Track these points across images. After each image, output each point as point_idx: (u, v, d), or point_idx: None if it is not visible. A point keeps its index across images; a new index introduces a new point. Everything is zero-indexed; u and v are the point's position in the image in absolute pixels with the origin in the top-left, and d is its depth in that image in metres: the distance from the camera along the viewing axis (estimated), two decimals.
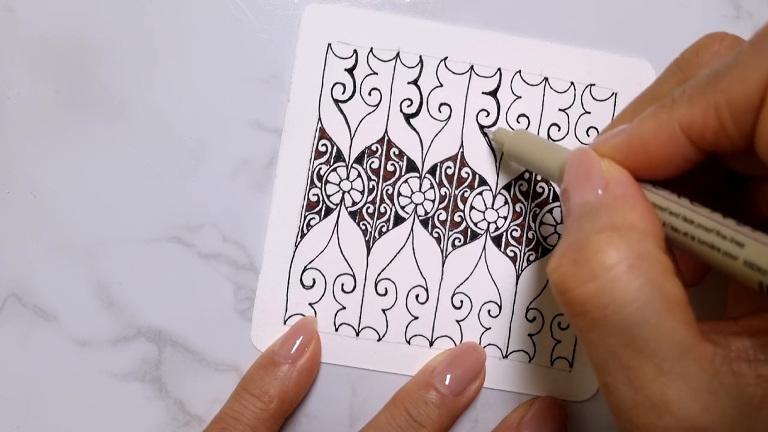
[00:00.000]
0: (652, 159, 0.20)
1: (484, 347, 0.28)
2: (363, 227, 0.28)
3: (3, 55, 0.27)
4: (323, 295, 0.28)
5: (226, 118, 0.28)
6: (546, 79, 0.28)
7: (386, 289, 0.28)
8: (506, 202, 0.28)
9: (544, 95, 0.28)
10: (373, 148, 0.28)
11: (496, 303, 0.28)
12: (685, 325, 0.17)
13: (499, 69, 0.28)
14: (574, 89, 0.28)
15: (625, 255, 0.17)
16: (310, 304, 0.28)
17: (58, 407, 0.28)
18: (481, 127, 0.28)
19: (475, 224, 0.28)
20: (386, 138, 0.28)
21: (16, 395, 0.28)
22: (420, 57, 0.28)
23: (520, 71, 0.28)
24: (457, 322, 0.28)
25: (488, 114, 0.28)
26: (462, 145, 0.28)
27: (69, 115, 0.28)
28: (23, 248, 0.28)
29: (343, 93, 0.28)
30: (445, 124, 0.28)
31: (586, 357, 0.28)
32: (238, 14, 0.28)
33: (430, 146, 0.28)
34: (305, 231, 0.28)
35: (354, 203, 0.28)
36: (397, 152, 0.28)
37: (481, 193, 0.28)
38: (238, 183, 0.28)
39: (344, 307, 0.28)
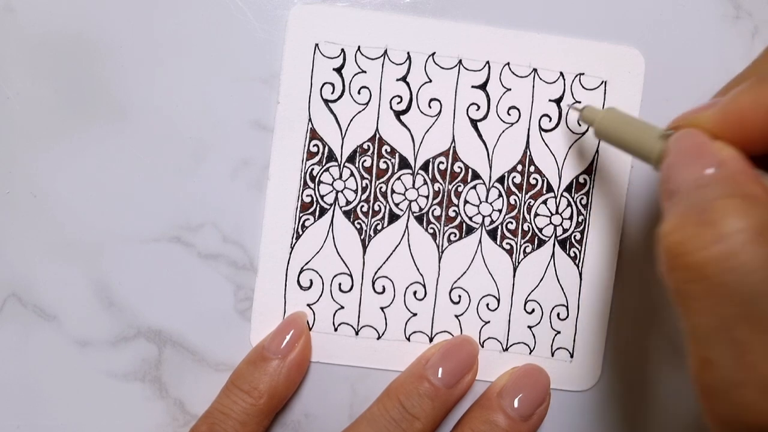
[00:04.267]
0: (748, 132, 0.19)
1: (484, 341, 0.28)
2: (358, 226, 0.28)
3: (3, 55, 0.27)
4: (321, 295, 0.28)
5: (226, 118, 0.28)
6: (535, 70, 0.28)
7: (384, 287, 0.28)
8: (500, 195, 0.28)
9: (533, 86, 0.28)
10: (365, 146, 0.28)
11: (494, 296, 0.28)
12: None
13: (488, 62, 0.28)
14: (564, 79, 0.28)
15: (753, 223, 0.17)
16: (308, 305, 0.28)
17: (58, 407, 0.28)
18: (567, 105, 0.27)
19: (470, 218, 0.28)
20: (377, 136, 0.28)
21: (16, 395, 0.28)
22: (408, 53, 0.28)
23: (508, 63, 0.28)
24: (456, 317, 0.28)
25: (478, 108, 0.28)
26: (453, 139, 0.28)
27: (69, 115, 0.28)
28: (23, 248, 0.28)
29: (333, 93, 0.28)
30: (436, 120, 0.28)
31: (587, 349, 0.28)
32: (237, 14, 0.28)
33: (421, 142, 0.28)
34: (300, 232, 0.28)
35: (348, 202, 0.28)
36: (388, 150, 0.28)
37: (474, 187, 0.28)
38: (238, 183, 0.28)
39: (342, 307, 0.28)
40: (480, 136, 0.28)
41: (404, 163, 0.28)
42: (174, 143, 0.28)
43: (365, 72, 0.28)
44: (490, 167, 0.28)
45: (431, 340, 0.28)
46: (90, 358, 0.28)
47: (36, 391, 0.28)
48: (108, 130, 0.28)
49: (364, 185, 0.28)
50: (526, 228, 0.28)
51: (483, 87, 0.28)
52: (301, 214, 0.28)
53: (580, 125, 0.28)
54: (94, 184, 0.28)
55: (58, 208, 0.28)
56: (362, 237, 0.28)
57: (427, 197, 0.28)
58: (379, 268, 0.28)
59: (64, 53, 0.27)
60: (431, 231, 0.28)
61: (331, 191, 0.28)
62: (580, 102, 0.28)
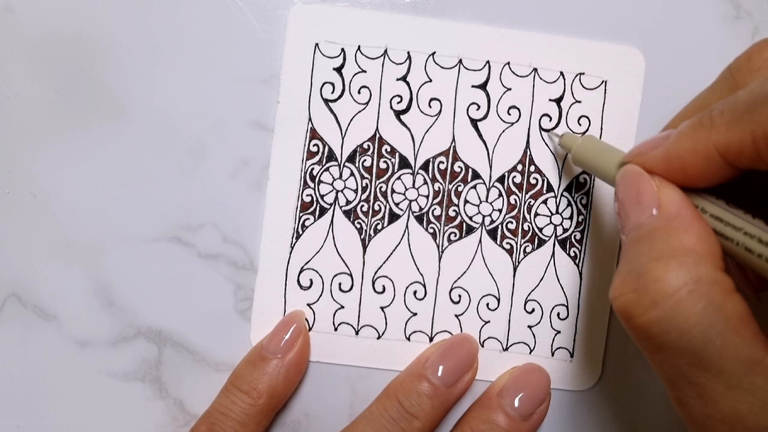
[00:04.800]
0: (688, 175, 0.20)
1: (484, 341, 0.28)
2: (358, 226, 0.28)
3: (3, 55, 0.27)
4: (321, 295, 0.28)
5: (226, 118, 0.28)
6: (535, 69, 0.28)
7: (384, 286, 0.28)
8: (500, 195, 0.28)
9: (533, 86, 0.28)
10: (365, 146, 0.28)
11: (494, 296, 0.28)
12: (749, 341, 0.18)
13: (488, 62, 0.28)
14: (564, 79, 0.28)
15: (684, 281, 0.18)
16: (309, 305, 0.28)
17: (58, 407, 0.28)
18: (544, 130, 0.28)
19: (470, 218, 0.28)
20: (377, 135, 0.28)
21: (16, 395, 0.28)
22: (408, 53, 0.28)
23: (508, 63, 0.28)
24: (456, 316, 0.28)
25: (479, 107, 0.28)
26: (454, 139, 0.28)
27: (69, 114, 0.28)
28: (23, 248, 0.28)
29: (333, 92, 0.28)
30: (436, 119, 0.28)
31: (587, 348, 0.28)
32: (237, 14, 0.28)
33: (421, 142, 0.28)
34: (300, 232, 0.28)
35: (348, 202, 0.28)
36: (389, 149, 0.28)
37: (474, 187, 0.28)
38: (238, 183, 0.28)
39: (342, 307, 0.28)
40: (480, 135, 0.28)
41: (404, 163, 0.28)
42: (174, 143, 0.28)
43: (365, 72, 0.28)
44: (491, 167, 0.28)
45: (431, 339, 0.28)
46: (90, 358, 0.28)
47: (36, 391, 0.28)
48: (108, 130, 0.28)
49: (364, 185, 0.28)
50: (526, 228, 0.28)
51: (483, 87, 0.28)
52: (301, 214, 0.28)
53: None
54: (94, 184, 0.28)
55: (58, 208, 0.28)
56: (362, 237, 0.28)
57: (427, 197, 0.28)
58: (379, 268, 0.28)
59: (64, 53, 0.27)
60: (431, 231, 0.28)
61: (331, 191, 0.28)
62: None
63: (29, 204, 0.28)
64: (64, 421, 0.28)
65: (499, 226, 0.28)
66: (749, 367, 0.18)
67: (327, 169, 0.28)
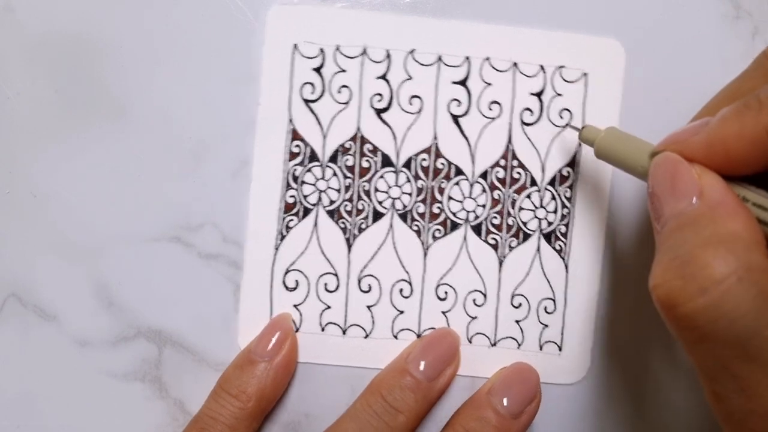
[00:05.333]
0: (732, 161, 0.19)
1: (472, 336, 0.28)
2: (342, 225, 0.28)
3: (3, 55, 0.27)
4: (307, 295, 0.28)
5: (227, 118, 0.28)
6: (515, 64, 0.28)
7: (370, 285, 0.28)
8: (484, 191, 0.28)
9: (514, 81, 0.28)
10: (347, 145, 0.28)
11: (480, 292, 0.28)
12: None
13: (467, 58, 0.28)
14: (544, 72, 0.28)
15: (734, 268, 0.17)
16: (295, 306, 0.28)
17: (58, 407, 0.28)
18: (569, 126, 0.27)
19: (454, 214, 0.28)
20: (359, 135, 0.28)
21: (16, 395, 0.28)
22: (387, 51, 0.28)
23: (488, 58, 0.28)
24: (443, 313, 0.28)
25: (459, 103, 0.28)
26: (435, 136, 0.28)
27: (69, 115, 0.28)
28: (23, 248, 0.28)
29: (313, 93, 0.28)
30: (417, 117, 0.28)
31: (575, 342, 0.28)
32: (238, 14, 0.27)
33: (403, 140, 0.28)
34: (284, 233, 0.28)
35: (331, 202, 0.28)
36: (371, 148, 0.28)
37: (458, 183, 0.28)
38: (238, 183, 0.28)
39: (329, 307, 0.28)
40: (462, 132, 0.28)
41: (387, 161, 0.28)
42: (174, 143, 0.28)
43: (345, 71, 0.28)
44: (473, 163, 0.28)
45: (419, 337, 0.28)
46: (90, 358, 0.28)
47: (36, 391, 0.28)
48: (108, 130, 0.28)
49: (347, 184, 0.28)
50: (510, 222, 0.28)
51: (463, 83, 0.28)
52: (284, 215, 0.28)
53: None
54: (94, 184, 0.28)
55: (58, 208, 0.28)
56: (347, 236, 0.28)
57: (410, 195, 0.28)
58: (364, 267, 0.28)
59: (64, 53, 0.27)
60: (416, 228, 0.28)
61: (315, 191, 0.28)
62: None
63: (29, 204, 0.28)
64: (64, 421, 0.28)
65: (484, 222, 0.28)
66: None
67: (309, 170, 0.28)
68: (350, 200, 0.28)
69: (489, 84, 0.28)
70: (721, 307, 0.17)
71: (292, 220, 0.28)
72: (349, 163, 0.28)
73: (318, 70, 0.28)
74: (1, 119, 0.27)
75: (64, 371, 0.28)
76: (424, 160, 0.28)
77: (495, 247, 0.28)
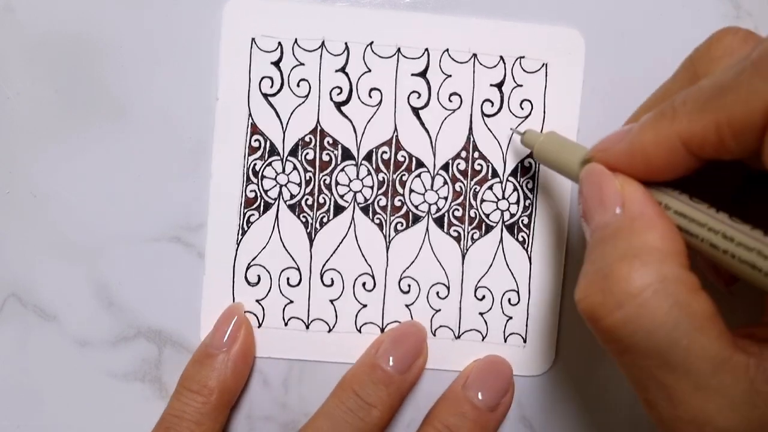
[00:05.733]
0: (652, 167, 0.20)
1: (436, 329, 0.28)
2: (303, 219, 0.28)
3: (3, 55, 0.27)
4: (269, 290, 0.28)
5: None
6: (474, 55, 0.28)
7: (332, 279, 0.28)
8: (445, 183, 0.28)
9: (474, 72, 0.28)
10: (307, 139, 0.28)
11: (443, 284, 0.28)
12: (716, 340, 0.18)
13: (427, 49, 0.28)
14: (504, 63, 0.28)
15: (649, 281, 0.18)
16: (257, 301, 0.28)
17: (58, 407, 0.28)
18: (513, 131, 0.28)
19: (416, 207, 0.28)
20: (319, 128, 0.28)
21: (16, 395, 0.28)
22: (345, 44, 0.28)
23: (447, 50, 0.28)
24: (407, 306, 0.28)
25: (419, 95, 0.28)
26: (396, 128, 0.28)
27: (69, 115, 0.28)
28: (23, 248, 0.28)
29: (272, 86, 0.28)
30: (377, 109, 0.28)
31: (540, 333, 0.28)
32: None
33: (363, 133, 0.28)
34: (246, 228, 0.28)
35: (292, 196, 0.28)
36: (331, 141, 0.28)
37: (419, 176, 0.28)
38: None
39: (292, 301, 0.28)
40: (422, 124, 0.28)
41: (347, 155, 0.28)
42: (174, 143, 0.28)
43: (303, 64, 0.28)
44: (434, 155, 0.28)
45: (383, 330, 0.28)
46: (90, 358, 0.28)
47: (36, 391, 0.28)
48: (108, 130, 0.28)
49: (307, 178, 0.28)
50: (472, 215, 0.28)
51: (423, 74, 0.28)
52: (245, 210, 0.28)
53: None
54: (94, 184, 0.28)
55: (58, 208, 0.28)
56: (308, 230, 0.28)
57: (371, 188, 0.28)
58: (326, 261, 0.28)
59: (64, 53, 0.27)
60: (377, 221, 0.28)
61: (275, 186, 0.28)
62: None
63: (29, 204, 0.28)
64: (64, 421, 0.28)
65: (446, 214, 0.28)
66: (717, 367, 0.17)
67: (270, 164, 0.28)
68: (311, 194, 0.28)
69: (449, 75, 0.28)
70: (638, 320, 0.18)
71: (253, 214, 0.28)
72: (310, 156, 0.28)
73: (276, 63, 0.28)
74: (1, 119, 0.28)
75: (64, 371, 0.28)
76: (384, 152, 0.28)
77: (458, 239, 0.28)
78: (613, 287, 0.18)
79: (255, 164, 0.28)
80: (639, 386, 0.19)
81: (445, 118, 0.28)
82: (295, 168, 0.28)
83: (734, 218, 0.19)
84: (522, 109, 0.28)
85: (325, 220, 0.28)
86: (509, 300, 0.28)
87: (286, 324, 0.28)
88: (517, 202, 0.28)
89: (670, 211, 0.20)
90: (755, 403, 0.17)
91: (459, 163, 0.28)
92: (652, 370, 0.18)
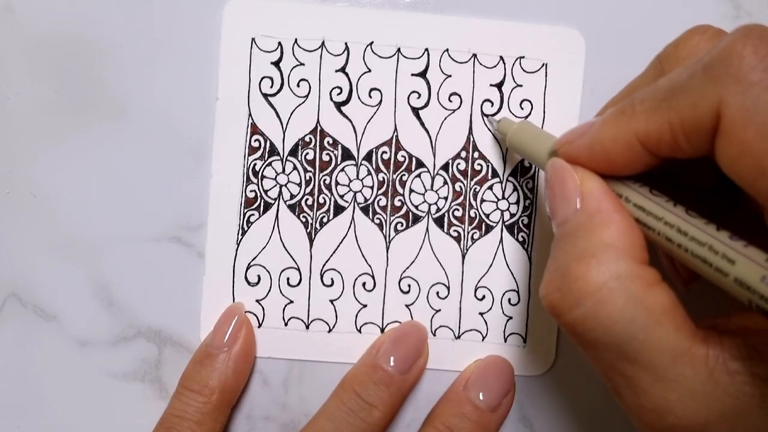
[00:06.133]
0: (612, 163, 0.20)
1: (436, 329, 0.28)
2: (303, 219, 0.28)
3: (3, 55, 0.27)
4: (269, 290, 0.28)
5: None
6: (474, 55, 0.28)
7: (332, 279, 0.28)
8: (445, 183, 0.28)
9: (474, 72, 0.28)
10: (307, 139, 0.28)
11: (443, 284, 0.28)
12: (674, 332, 0.18)
13: (426, 49, 0.28)
14: (504, 63, 0.28)
15: (604, 279, 0.18)
16: (257, 301, 0.28)
17: (58, 407, 0.28)
18: (484, 115, 0.28)
19: (416, 207, 0.28)
20: (319, 128, 0.28)
21: (16, 395, 0.28)
22: (345, 44, 0.28)
23: (447, 50, 0.28)
24: (407, 306, 0.28)
25: (419, 95, 0.28)
26: (396, 129, 0.28)
27: (69, 114, 0.28)
28: (23, 248, 0.28)
29: (272, 86, 0.28)
30: (377, 110, 0.28)
31: (540, 333, 0.28)
32: None
33: (363, 133, 0.28)
34: (246, 228, 0.28)
35: (292, 196, 0.28)
36: (331, 141, 0.28)
37: (419, 176, 0.28)
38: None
39: (292, 301, 0.28)
40: (422, 124, 0.28)
41: (347, 155, 0.28)
42: (174, 143, 0.28)
43: (303, 64, 0.28)
44: (434, 155, 0.28)
45: (382, 330, 0.28)
46: (90, 358, 0.28)
47: (36, 391, 0.28)
48: (108, 130, 0.28)
49: (307, 178, 0.28)
50: (473, 214, 0.28)
51: (423, 74, 0.28)
52: (245, 210, 0.28)
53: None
54: (94, 184, 0.28)
55: (58, 208, 0.28)
56: (308, 230, 0.28)
57: (371, 188, 0.28)
58: (326, 261, 0.28)
59: (64, 53, 0.27)
60: (377, 221, 0.28)
61: (275, 186, 0.28)
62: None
63: (29, 204, 0.28)
64: (64, 421, 0.28)
65: (446, 214, 0.28)
66: (675, 358, 0.18)
67: (270, 164, 0.28)
68: (311, 194, 0.28)
69: (449, 76, 0.28)
70: (595, 317, 0.18)
71: (253, 214, 0.28)
72: (310, 156, 0.28)
73: (276, 63, 0.28)
74: (1, 119, 0.28)
75: (64, 371, 0.28)
76: (384, 152, 0.28)
77: (458, 239, 0.28)
78: (571, 286, 0.19)
79: (255, 164, 0.28)
80: (605, 376, 0.19)
81: (445, 118, 0.28)
82: (295, 168, 0.28)
83: (691, 212, 0.19)
84: (522, 109, 0.28)
85: (325, 220, 0.28)
86: (509, 300, 0.28)
87: (286, 324, 0.28)
88: (517, 202, 0.28)
89: (630, 204, 0.20)
90: (715, 393, 0.17)
91: (459, 163, 0.28)
92: (614, 362, 0.19)
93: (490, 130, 0.28)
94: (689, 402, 0.18)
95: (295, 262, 0.28)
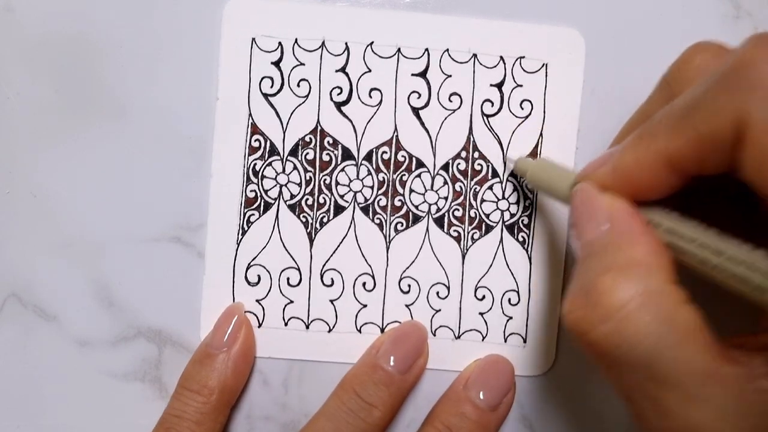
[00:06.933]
0: (637, 188, 0.20)
1: (436, 329, 0.28)
2: (303, 219, 0.28)
3: (3, 55, 0.27)
4: (269, 290, 0.28)
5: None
6: (474, 55, 0.28)
7: (332, 279, 0.28)
8: (445, 183, 0.28)
9: (474, 72, 0.28)
10: (307, 139, 0.28)
11: (444, 284, 0.28)
12: (702, 352, 0.18)
13: (427, 49, 0.28)
14: (504, 63, 0.28)
15: (632, 294, 0.18)
16: (257, 301, 0.28)
17: (58, 407, 0.28)
18: (506, 162, 0.28)
19: (416, 207, 0.28)
20: (319, 128, 0.28)
21: (16, 395, 0.28)
22: (346, 44, 0.28)
23: (447, 50, 0.28)
24: (407, 306, 0.28)
25: (419, 95, 0.28)
26: (396, 129, 0.28)
27: (69, 114, 0.28)
28: (23, 248, 0.28)
29: (272, 86, 0.28)
30: (377, 110, 0.28)
31: (540, 333, 0.28)
32: None
33: (363, 133, 0.28)
34: (246, 228, 0.28)
35: (292, 196, 0.28)
36: (331, 141, 0.28)
37: (419, 176, 0.28)
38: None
39: (292, 301, 0.28)
40: (422, 124, 0.28)
41: (347, 155, 0.28)
42: (174, 143, 0.28)
43: (303, 64, 0.28)
44: (434, 155, 0.28)
45: (383, 330, 0.28)
46: (90, 358, 0.28)
47: (36, 391, 0.28)
48: (108, 130, 0.28)
49: (308, 178, 0.28)
50: (473, 214, 0.28)
51: (423, 74, 0.28)
52: (245, 210, 0.28)
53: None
54: (94, 184, 0.28)
55: (58, 208, 0.28)
56: (308, 230, 0.28)
57: (372, 188, 0.28)
58: (326, 261, 0.28)
59: (64, 53, 0.27)
60: (378, 221, 0.28)
61: (275, 185, 0.28)
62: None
63: (29, 204, 0.28)
64: (64, 421, 0.28)
65: (446, 214, 0.28)
66: (704, 378, 0.17)
67: (270, 164, 0.28)
68: (311, 194, 0.28)
69: (449, 76, 0.28)
70: (621, 333, 0.18)
71: (253, 214, 0.28)
72: (310, 156, 0.28)
73: (277, 63, 0.28)
74: (1, 119, 0.27)
75: (64, 371, 0.28)
76: (384, 152, 0.28)
77: (458, 239, 0.28)
78: (597, 301, 0.18)
79: (255, 164, 0.28)
80: (629, 400, 0.19)
81: (445, 118, 0.28)
82: (295, 168, 0.28)
83: (722, 234, 0.19)
84: (522, 109, 0.28)
85: (325, 220, 0.28)
86: (509, 300, 0.28)
87: (286, 324, 0.28)
88: (517, 202, 0.28)
89: (660, 229, 0.20)
90: (745, 412, 0.17)
91: (459, 163, 0.28)
92: (640, 383, 0.18)
93: (493, 132, 0.28)
94: (719, 423, 0.17)
95: (295, 262, 0.28)
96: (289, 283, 0.28)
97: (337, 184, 0.28)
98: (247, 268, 0.28)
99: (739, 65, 0.17)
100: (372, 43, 0.28)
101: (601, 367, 0.19)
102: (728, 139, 0.18)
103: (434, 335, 0.28)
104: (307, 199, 0.28)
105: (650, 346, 0.18)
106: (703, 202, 0.22)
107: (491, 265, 0.28)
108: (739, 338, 0.19)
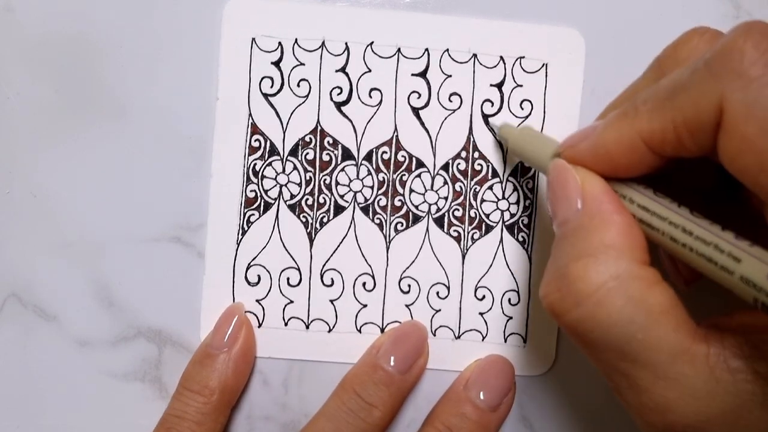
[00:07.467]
0: (616, 165, 0.20)
1: (436, 329, 0.28)
2: (303, 219, 0.28)
3: (3, 55, 0.27)
4: (269, 290, 0.28)
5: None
6: (474, 55, 0.28)
7: (332, 279, 0.28)
8: (445, 183, 0.28)
9: (474, 72, 0.28)
10: (307, 139, 0.28)
11: (444, 284, 0.28)
12: (674, 331, 0.18)
13: (427, 49, 0.28)
14: (504, 63, 0.28)
15: (603, 279, 0.19)
16: (257, 301, 0.28)
17: (58, 407, 0.28)
18: (486, 120, 0.28)
19: (416, 207, 0.28)
20: (319, 128, 0.28)
21: (16, 395, 0.28)
22: (346, 44, 0.28)
23: (447, 50, 0.28)
24: (407, 306, 0.28)
25: (419, 95, 0.28)
26: (396, 129, 0.28)
27: (69, 114, 0.28)
28: (23, 248, 0.28)
29: (272, 86, 0.28)
30: (377, 109, 0.28)
31: (540, 333, 0.28)
32: None
33: (363, 132, 0.28)
34: (246, 228, 0.28)
35: (292, 196, 0.28)
36: (331, 141, 0.28)
37: (419, 176, 0.28)
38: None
39: (292, 301, 0.28)
40: (422, 124, 0.28)
41: (347, 155, 0.28)
42: (174, 143, 0.28)
43: (303, 64, 0.28)
44: (434, 155, 0.28)
45: (383, 330, 0.28)
46: (90, 358, 0.28)
47: (36, 391, 0.28)
48: (108, 130, 0.28)
49: (308, 178, 0.28)
50: (473, 214, 0.28)
51: (423, 74, 0.28)
52: (245, 210, 0.28)
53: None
54: (94, 184, 0.28)
55: (58, 208, 0.28)
56: (308, 230, 0.28)
57: (372, 188, 0.28)
58: (326, 261, 0.28)
59: (64, 53, 0.27)
60: (378, 221, 0.28)
61: (275, 185, 0.28)
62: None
63: (29, 204, 0.28)
64: (64, 421, 0.28)
65: (446, 214, 0.28)
66: (675, 357, 0.18)
67: (270, 164, 0.28)
68: (311, 194, 0.28)
69: (449, 76, 0.28)
70: (594, 317, 0.18)
71: (253, 214, 0.28)
72: (310, 156, 0.28)
73: (277, 63, 0.28)
74: (1, 119, 0.27)
75: (64, 371, 0.28)
76: (384, 152, 0.28)
77: (458, 239, 0.28)
78: (570, 286, 0.19)
79: (255, 164, 0.28)
80: (606, 376, 0.20)
81: (445, 118, 0.28)
82: (295, 168, 0.28)
83: (695, 213, 0.19)
84: (522, 109, 0.28)
85: (325, 220, 0.28)
86: (509, 300, 0.28)
87: (286, 324, 0.28)
88: (517, 202, 0.28)
89: (633, 205, 0.20)
90: (716, 391, 0.17)
91: (459, 163, 0.28)
92: (615, 362, 0.19)
93: (492, 131, 0.28)
94: (690, 400, 0.18)
95: (295, 262, 0.28)
96: (289, 283, 0.28)
97: (337, 184, 0.28)
98: (247, 268, 0.28)
99: (724, 51, 0.17)
100: (372, 43, 0.28)
101: (578, 346, 0.20)
102: (709, 124, 0.18)
103: (434, 335, 0.28)
104: (307, 199, 0.28)
105: (622, 329, 0.18)
106: (693, 185, 0.22)
107: (491, 265, 0.28)
108: (715, 319, 0.19)
